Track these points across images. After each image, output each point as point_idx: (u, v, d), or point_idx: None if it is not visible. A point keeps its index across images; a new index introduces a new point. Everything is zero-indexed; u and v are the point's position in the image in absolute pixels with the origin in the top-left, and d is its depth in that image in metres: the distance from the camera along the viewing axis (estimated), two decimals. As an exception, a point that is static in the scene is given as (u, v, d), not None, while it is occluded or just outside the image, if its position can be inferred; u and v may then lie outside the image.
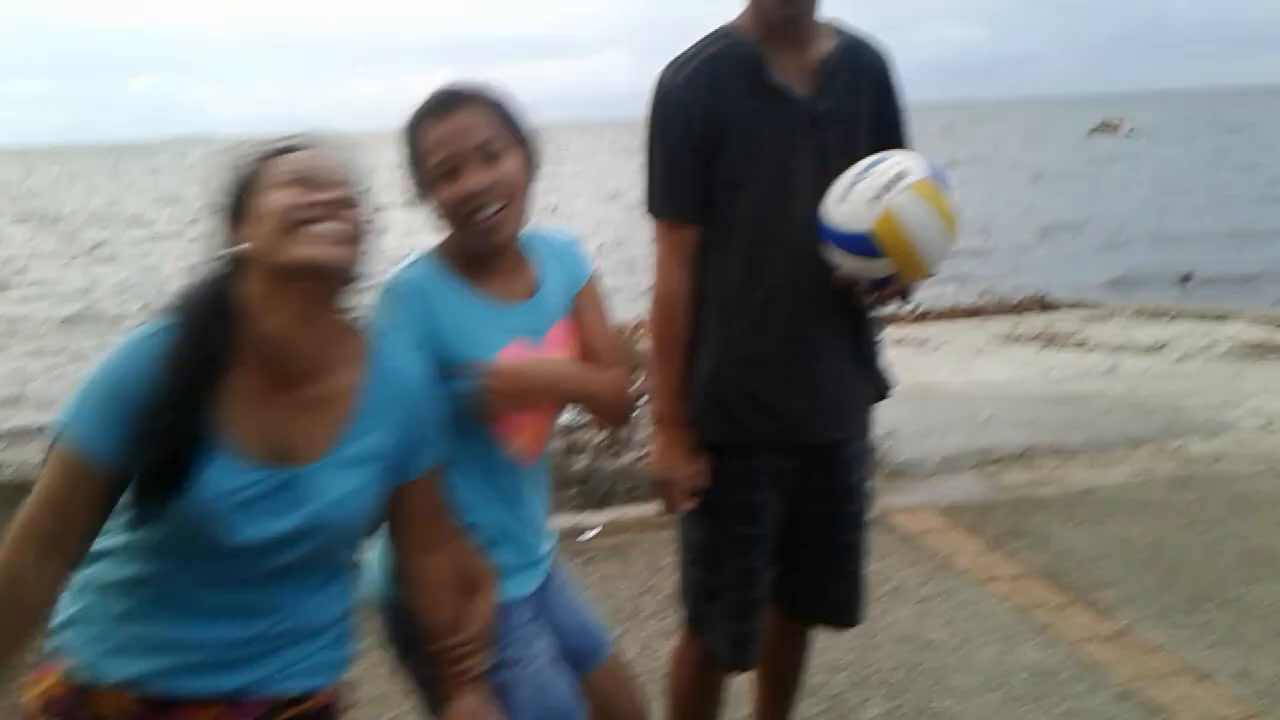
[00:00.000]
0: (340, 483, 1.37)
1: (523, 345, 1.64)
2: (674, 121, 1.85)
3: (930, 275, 1.78)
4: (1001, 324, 8.04)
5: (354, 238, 1.33)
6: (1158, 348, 6.86)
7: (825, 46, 1.88)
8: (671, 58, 1.89)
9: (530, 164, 1.62)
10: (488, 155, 1.55)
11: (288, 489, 1.34)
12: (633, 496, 3.83)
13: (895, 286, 1.79)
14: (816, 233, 1.77)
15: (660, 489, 1.96)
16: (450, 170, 1.54)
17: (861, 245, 1.70)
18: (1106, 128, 52.66)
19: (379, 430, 1.41)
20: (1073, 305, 8.98)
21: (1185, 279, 12.02)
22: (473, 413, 1.57)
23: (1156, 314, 8.41)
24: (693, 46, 1.89)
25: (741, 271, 1.87)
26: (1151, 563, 3.46)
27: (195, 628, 1.34)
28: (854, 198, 1.70)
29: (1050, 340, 7.27)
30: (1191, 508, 3.92)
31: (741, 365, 1.90)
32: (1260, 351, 6.58)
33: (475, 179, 1.54)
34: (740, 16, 1.89)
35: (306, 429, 1.36)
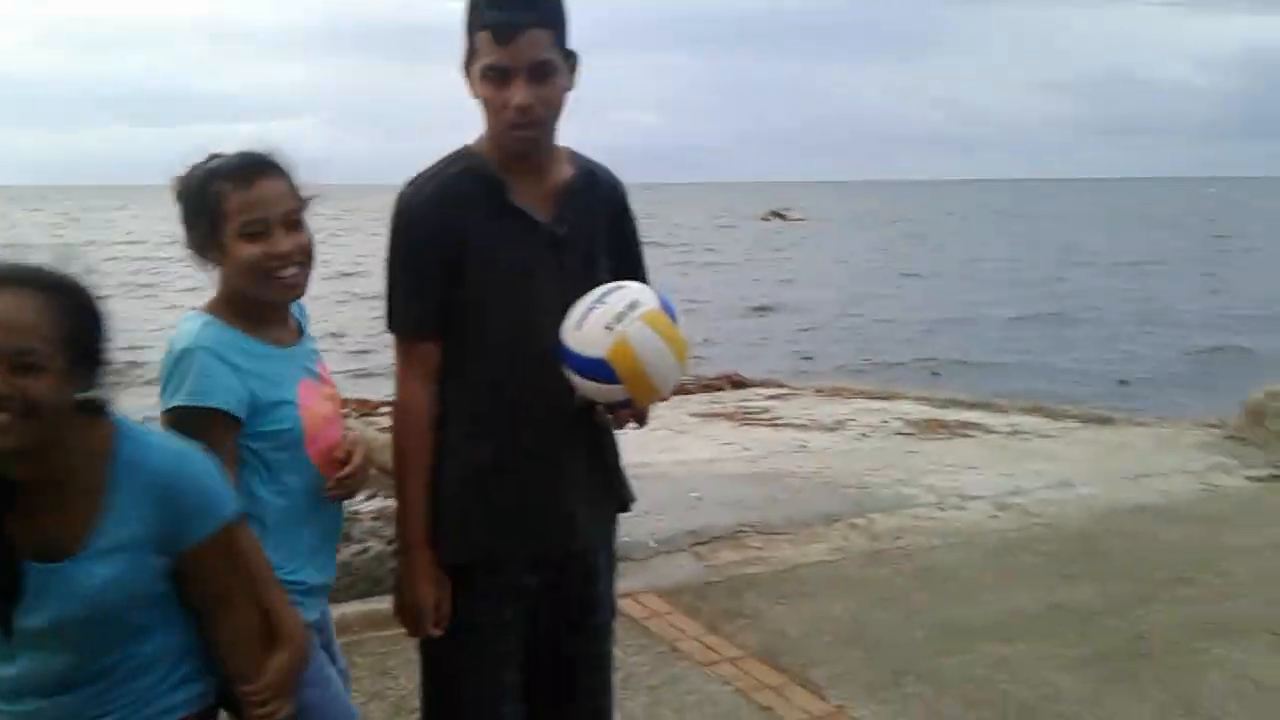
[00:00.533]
0: (96, 573, 1.49)
1: (309, 383, 1.85)
2: (416, 237, 1.87)
3: (663, 399, 1.87)
4: (699, 402, 8.41)
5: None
6: (839, 425, 7.41)
7: (564, 173, 1.94)
8: (412, 176, 1.90)
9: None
10: (291, 222, 1.76)
11: (46, 584, 1.47)
12: (354, 592, 3.61)
13: (631, 410, 1.87)
14: (556, 354, 1.81)
15: (405, 614, 1.92)
16: (257, 233, 1.72)
17: (598, 370, 1.76)
18: (776, 216, 57.11)
19: (130, 520, 1.51)
20: (762, 384, 9.55)
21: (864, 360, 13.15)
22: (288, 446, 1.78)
23: (834, 393, 9.11)
24: (433, 165, 1.90)
25: (484, 390, 1.89)
26: (854, 639, 3.67)
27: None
28: (589, 324, 1.76)
29: (745, 418, 7.67)
30: (883, 583, 4.21)
31: (485, 483, 1.89)
32: (928, 428, 7.25)
33: (283, 243, 1.74)
34: (479, 140, 1.91)
35: (62, 525, 1.48)
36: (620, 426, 1.96)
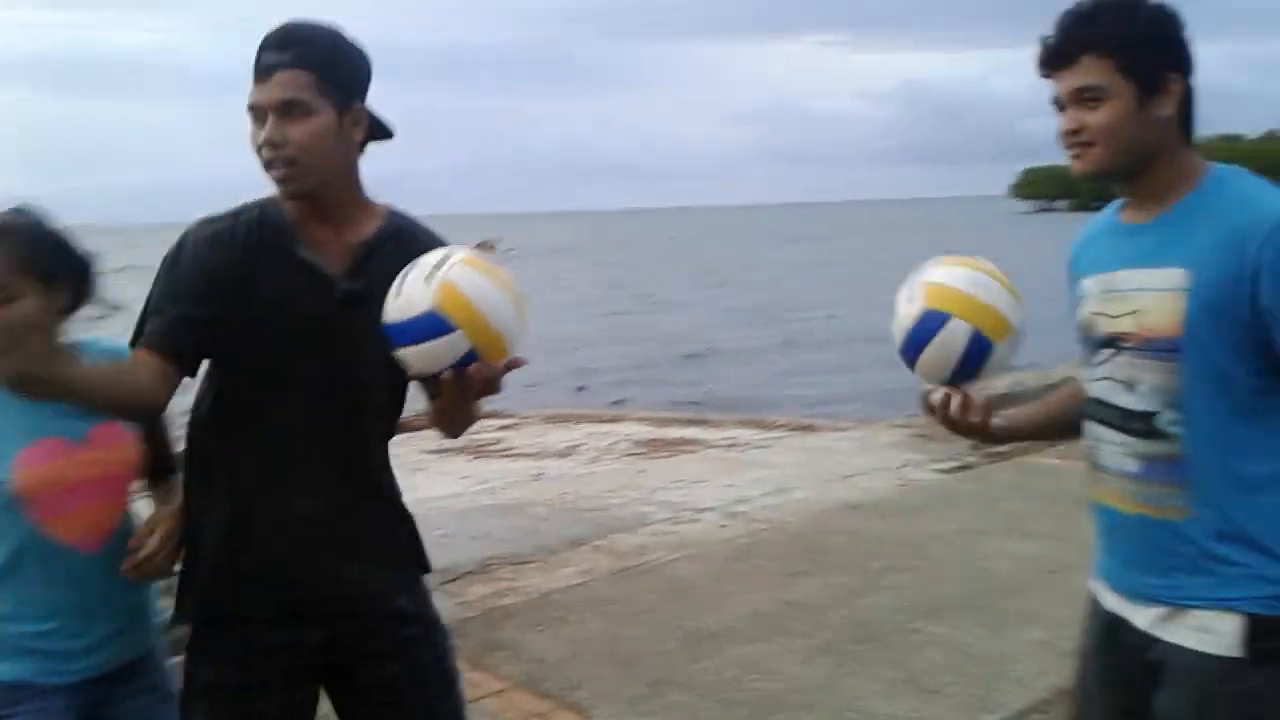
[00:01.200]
0: None
1: (54, 443, 1.82)
2: (189, 270, 1.81)
3: (510, 357, 1.65)
4: (431, 437, 8.35)
5: None
6: (571, 451, 7.61)
7: (369, 228, 1.89)
8: (202, 217, 1.86)
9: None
10: None
11: None
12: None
13: (481, 370, 1.62)
14: (388, 341, 1.65)
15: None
16: None
17: (429, 325, 1.59)
18: (485, 246, 57.34)
19: None
20: (491, 414, 9.61)
21: (580, 388, 13.45)
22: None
23: (561, 419, 9.33)
24: (227, 210, 1.87)
25: (242, 438, 1.83)
26: (612, 657, 3.82)
27: None
28: (407, 287, 1.62)
29: (479, 451, 7.72)
30: (632, 599, 4.40)
31: (238, 536, 1.84)
32: (654, 447, 7.59)
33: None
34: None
35: None
36: (471, 395, 1.68)
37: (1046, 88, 1.71)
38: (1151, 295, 1.62)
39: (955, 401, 1.78)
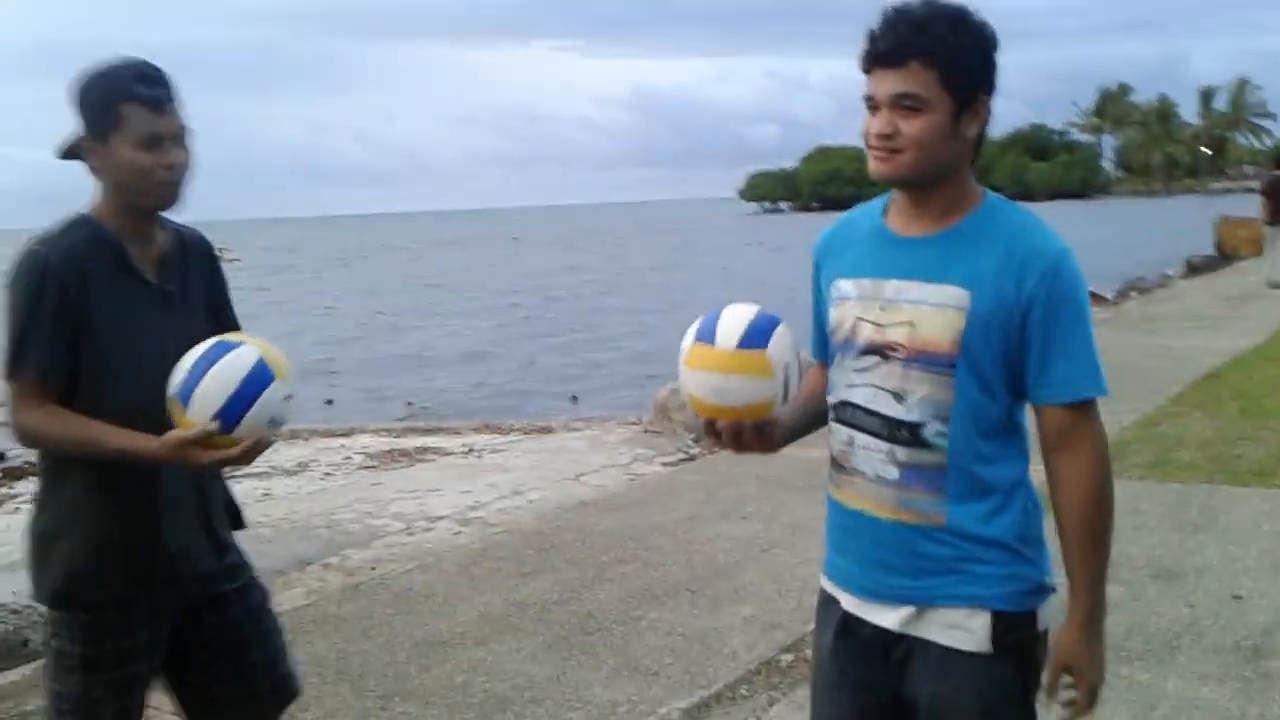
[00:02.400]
0: None
1: None
2: (50, 290, 2.01)
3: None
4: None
5: None
6: (302, 468, 7.40)
7: (164, 237, 2.19)
8: (38, 235, 2.08)
9: None
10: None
11: None
12: None
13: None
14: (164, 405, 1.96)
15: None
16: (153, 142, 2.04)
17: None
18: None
19: None
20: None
21: (329, 401, 13.02)
22: None
23: (292, 435, 9.02)
24: (56, 227, 2.09)
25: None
26: (341, 674, 3.79)
27: None
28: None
29: (202, 474, 7.36)
30: (363, 614, 4.37)
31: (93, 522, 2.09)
32: (389, 458, 7.50)
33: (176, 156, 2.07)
34: (96, 208, 2.11)
35: None
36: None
37: (853, 86, 1.71)
38: (929, 310, 1.66)
39: (728, 432, 1.78)
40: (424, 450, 7.83)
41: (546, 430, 8.44)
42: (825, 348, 1.86)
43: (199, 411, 1.91)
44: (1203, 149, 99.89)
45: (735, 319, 1.73)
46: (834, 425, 1.81)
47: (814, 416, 1.91)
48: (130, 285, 2.09)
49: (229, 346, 1.97)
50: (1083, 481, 1.68)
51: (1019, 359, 1.67)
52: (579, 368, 16.07)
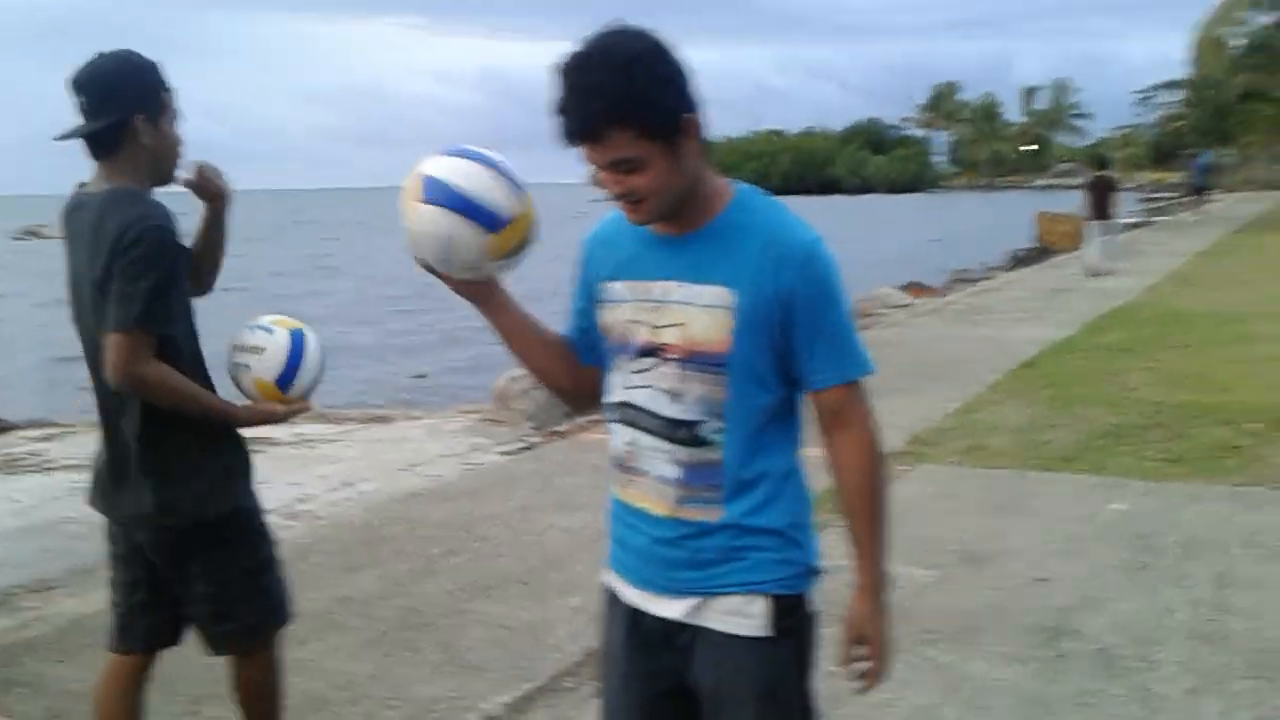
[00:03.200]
0: None
1: None
2: (173, 253, 2.43)
3: None
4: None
5: None
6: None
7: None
8: (150, 209, 2.40)
9: None
10: None
11: None
12: None
13: None
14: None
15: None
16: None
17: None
18: (31, 234, 50.98)
19: None
20: (29, 425, 8.63)
21: None
22: None
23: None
24: (140, 197, 2.43)
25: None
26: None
27: None
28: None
29: (8, 466, 6.92)
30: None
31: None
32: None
33: None
34: (134, 179, 2.46)
35: None
36: None
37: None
38: (697, 310, 1.71)
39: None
40: (253, 441, 7.54)
41: (383, 419, 8.26)
42: (581, 340, 1.92)
43: (298, 390, 2.63)
44: (1025, 147, 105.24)
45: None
46: (616, 426, 1.85)
47: (538, 337, 1.91)
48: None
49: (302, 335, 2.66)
50: (859, 458, 1.78)
51: (786, 350, 1.73)
52: (424, 349, 15.79)
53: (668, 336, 1.73)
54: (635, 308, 1.77)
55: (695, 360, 1.71)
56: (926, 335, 11.06)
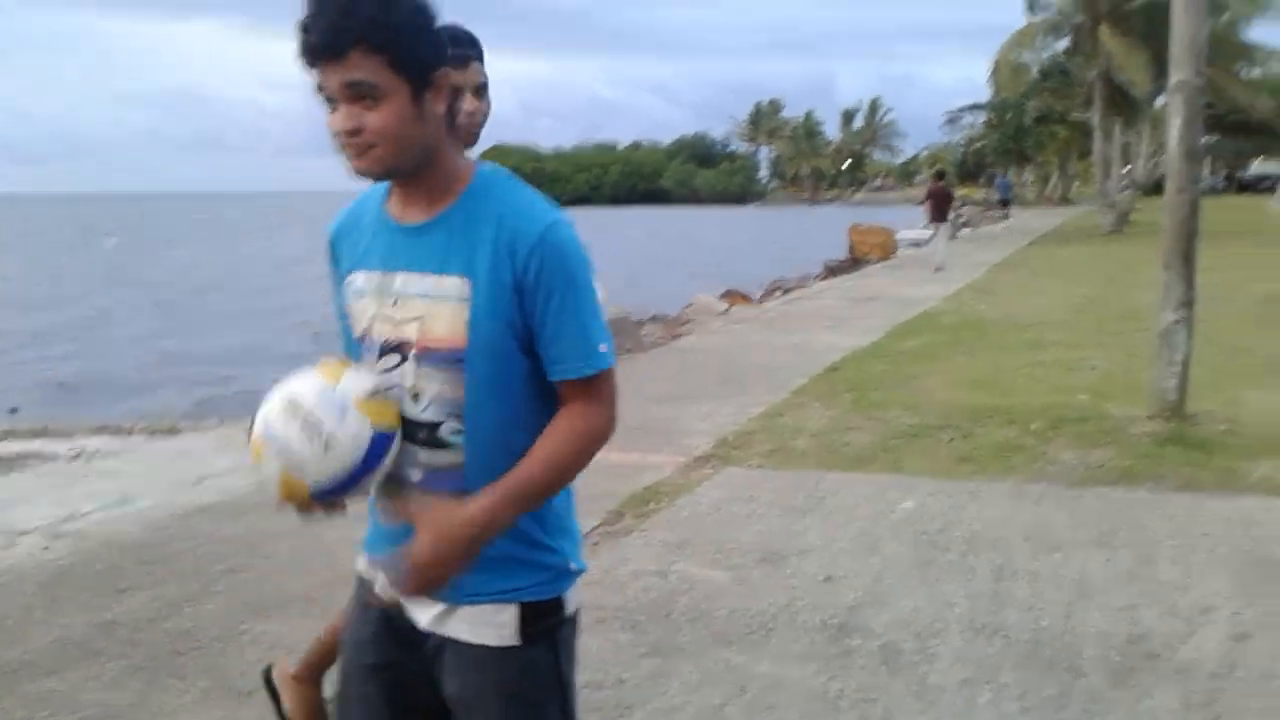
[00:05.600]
0: None
1: None
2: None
3: None
4: None
5: None
6: None
7: None
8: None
9: None
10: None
11: None
12: None
13: None
14: None
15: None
16: None
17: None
18: None
19: None
20: None
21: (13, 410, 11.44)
22: None
23: None
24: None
25: None
26: None
27: None
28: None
29: None
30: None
31: None
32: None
33: None
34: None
35: None
36: None
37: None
38: (435, 303, 1.59)
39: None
40: (25, 456, 6.98)
41: (173, 430, 7.78)
42: (341, 328, 1.76)
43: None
44: (843, 164, 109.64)
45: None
46: None
47: None
48: None
49: None
50: (576, 433, 1.63)
51: (528, 341, 1.61)
52: (214, 363, 15.09)
53: (408, 332, 1.61)
54: (377, 301, 1.65)
55: (434, 358, 1.60)
56: (740, 342, 11.26)
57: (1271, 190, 66.82)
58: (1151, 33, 24.96)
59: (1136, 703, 3.24)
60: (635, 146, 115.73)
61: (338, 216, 1.78)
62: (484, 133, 2.50)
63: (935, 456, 6.22)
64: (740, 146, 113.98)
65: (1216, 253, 12.88)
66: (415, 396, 1.63)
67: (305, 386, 1.60)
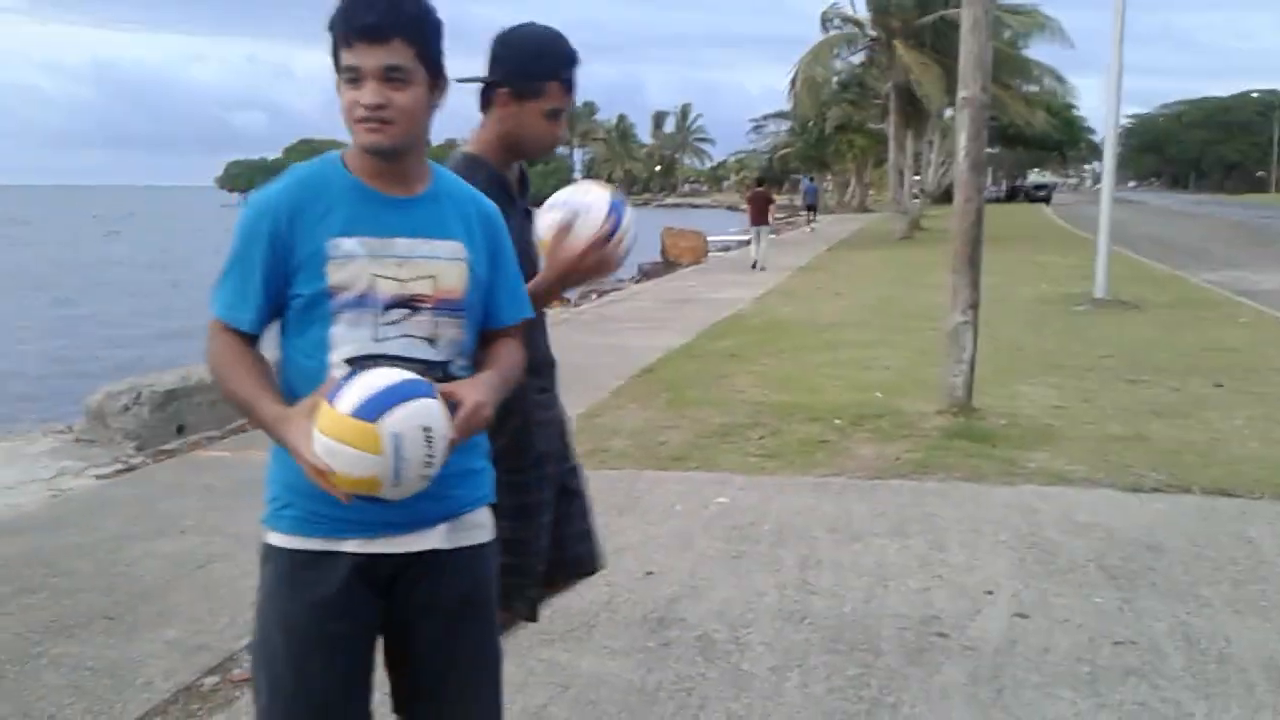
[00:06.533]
0: None
1: None
2: None
3: None
4: None
5: None
6: None
7: None
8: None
9: None
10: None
11: None
12: None
13: None
14: None
15: None
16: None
17: None
18: None
19: None
20: None
21: None
22: None
23: None
24: (468, 171, 2.30)
25: None
26: None
27: None
28: None
29: None
30: None
31: None
32: None
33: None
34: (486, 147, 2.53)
35: None
36: None
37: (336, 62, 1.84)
38: (443, 263, 1.91)
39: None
40: None
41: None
42: (260, 310, 1.88)
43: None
44: (655, 167, 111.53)
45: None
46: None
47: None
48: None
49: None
50: (522, 355, 2.10)
51: (488, 293, 2.02)
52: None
53: (421, 288, 1.89)
54: (378, 263, 1.87)
55: (444, 307, 1.91)
56: (557, 344, 11.29)
57: (1047, 199, 72.34)
58: (942, 48, 26.60)
59: (929, 679, 3.50)
60: (449, 143, 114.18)
61: (276, 194, 1.88)
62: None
63: (746, 453, 6.47)
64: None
65: (998, 257, 13.86)
66: (432, 342, 1.91)
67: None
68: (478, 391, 1.84)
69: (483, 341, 2.05)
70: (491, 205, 2.04)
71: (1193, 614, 3.96)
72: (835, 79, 36.25)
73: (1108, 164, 15.20)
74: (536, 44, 2.48)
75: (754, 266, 20.43)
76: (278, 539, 1.92)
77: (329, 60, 1.86)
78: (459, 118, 2.55)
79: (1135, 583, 4.28)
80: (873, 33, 32.01)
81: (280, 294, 1.87)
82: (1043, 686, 3.44)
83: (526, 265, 2.29)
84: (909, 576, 4.40)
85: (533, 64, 2.46)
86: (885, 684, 3.46)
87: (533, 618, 2.83)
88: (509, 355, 2.05)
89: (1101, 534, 4.88)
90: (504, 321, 2.06)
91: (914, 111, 32.14)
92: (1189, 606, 4.04)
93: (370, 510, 1.82)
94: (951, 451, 6.39)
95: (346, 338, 1.86)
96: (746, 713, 3.28)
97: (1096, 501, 5.41)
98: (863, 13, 31.96)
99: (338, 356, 1.86)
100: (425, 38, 1.84)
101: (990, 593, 4.21)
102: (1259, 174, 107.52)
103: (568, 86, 2.50)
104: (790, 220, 44.93)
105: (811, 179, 51.12)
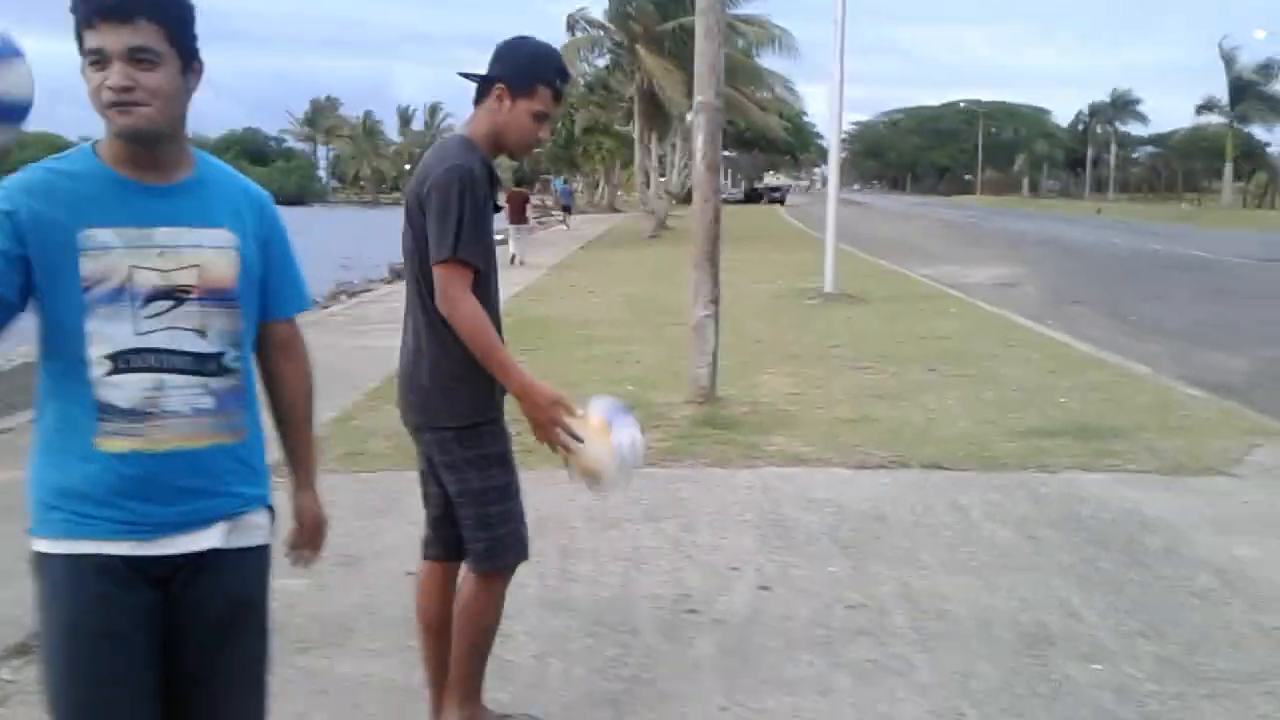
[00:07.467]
0: None
1: None
2: (478, 194, 2.68)
3: None
4: None
5: None
6: None
7: None
8: (453, 161, 2.71)
9: None
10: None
11: None
12: None
13: None
14: None
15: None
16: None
17: None
18: None
19: None
20: None
21: None
22: None
23: None
24: (456, 148, 2.78)
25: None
26: None
27: None
28: None
29: None
30: None
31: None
32: None
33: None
34: (478, 135, 2.82)
35: None
36: None
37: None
38: (210, 252, 1.87)
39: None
40: None
41: None
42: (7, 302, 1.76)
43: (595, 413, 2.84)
44: (406, 165, 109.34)
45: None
46: (125, 377, 1.82)
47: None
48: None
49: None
50: (305, 378, 2.16)
51: (264, 284, 2.00)
52: None
53: (185, 279, 1.85)
54: (136, 254, 1.81)
55: (212, 298, 1.87)
56: (309, 346, 10.97)
57: (781, 200, 76.34)
58: (682, 54, 27.55)
59: (683, 653, 3.70)
60: (231, 135, 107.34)
61: (20, 185, 1.79)
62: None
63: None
64: (297, 145, 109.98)
65: (737, 255, 14.55)
66: (201, 334, 1.87)
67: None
68: (316, 504, 2.24)
69: (263, 337, 2.05)
70: (263, 193, 2.02)
71: (914, 577, 4.38)
72: (582, 81, 36.84)
73: (833, 168, 16.32)
74: (534, 51, 2.82)
75: (512, 261, 21.43)
76: (47, 545, 1.86)
77: (56, 51, 1.85)
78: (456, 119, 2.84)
79: (864, 551, 4.68)
80: (617, 37, 32.75)
81: (29, 282, 1.78)
82: (785, 651, 3.71)
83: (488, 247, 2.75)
84: (662, 558, 4.61)
85: (529, 66, 2.77)
86: (643, 661, 3.63)
87: (525, 555, 3.06)
88: (298, 396, 2.17)
89: (834, 509, 5.29)
90: (284, 313, 2.07)
91: (658, 114, 33.16)
92: (911, 570, 4.46)
93: (143, 510, 1.83)
94: (699, 439, 6.71)
95: (103, 333, 1.80)
96: (512, 701, 3.36)
97: (829, 479, 5.85)
98: (607, 18, 32.66)
99: (96, 352, 1.81)
100: (173, 18, 1.78)
101: (736, 569, 4.48)
102: (967, 177, 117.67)
103: (556, 95, 2.80)
104: (543, 220, 45.31)
105: (566, 180, 51.73)
